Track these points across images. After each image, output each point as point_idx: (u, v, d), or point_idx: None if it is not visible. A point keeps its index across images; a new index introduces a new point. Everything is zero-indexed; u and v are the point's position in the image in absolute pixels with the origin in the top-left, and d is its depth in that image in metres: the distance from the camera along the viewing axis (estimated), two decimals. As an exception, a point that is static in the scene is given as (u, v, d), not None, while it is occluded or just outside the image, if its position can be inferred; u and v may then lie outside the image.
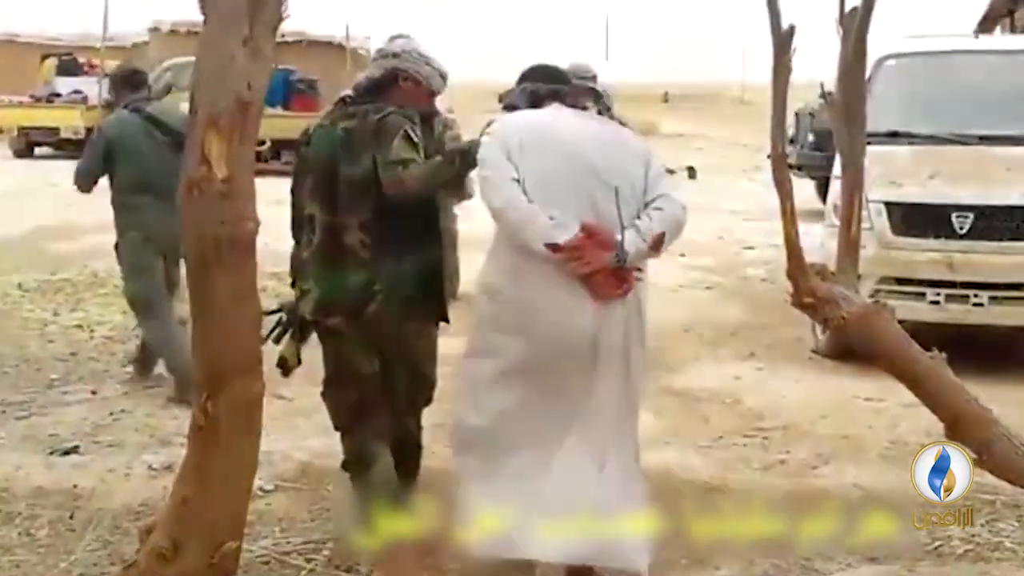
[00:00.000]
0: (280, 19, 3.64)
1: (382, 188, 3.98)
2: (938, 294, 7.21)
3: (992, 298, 7.16)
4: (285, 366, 4.24)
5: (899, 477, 5.16)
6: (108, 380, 6.70)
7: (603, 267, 3.51)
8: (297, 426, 5.74)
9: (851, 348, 7.01)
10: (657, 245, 3.60)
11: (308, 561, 4.18)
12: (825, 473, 5.34)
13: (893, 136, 7.66)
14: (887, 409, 6.27)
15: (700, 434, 5.95)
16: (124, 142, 6.32)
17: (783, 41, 3.51)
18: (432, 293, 4.22)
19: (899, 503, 4.75)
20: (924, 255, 7.28)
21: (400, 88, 4.22)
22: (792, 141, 14.57)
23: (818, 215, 8.91)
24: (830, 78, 4.11)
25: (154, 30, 27.10)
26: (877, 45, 7.52)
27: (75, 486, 4.88)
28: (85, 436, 5.61)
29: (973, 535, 4.50)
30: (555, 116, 3.76)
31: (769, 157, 3.69)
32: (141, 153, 6.28)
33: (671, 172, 22.16)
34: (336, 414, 4.32)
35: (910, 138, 7.79)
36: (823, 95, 4.19)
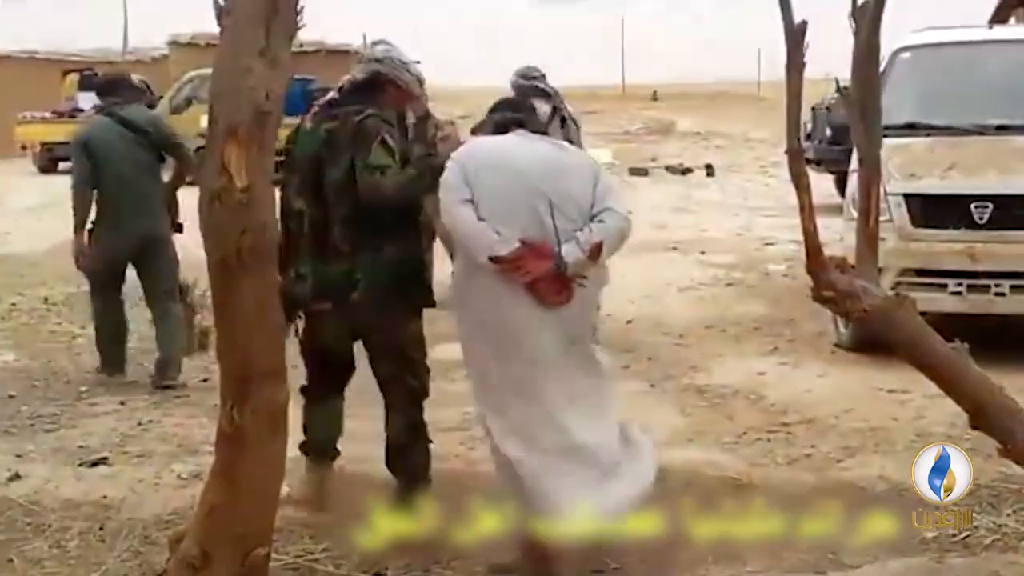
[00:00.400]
0: (296, 29, 3.67)
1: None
2: (960, 284, 7.18)
3: (1014, 287, 7.13)
4: None
5: (924, 469, 5.17)
6: (136, 391, 6.75)
7: (543, 275, 3.91)
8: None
9: (874, 341, 7.05)
10: (595, 254, 3.97)
11: (337, 567, 4.21)
12: (851, 466, 5.34)
13: (910, 128, 7.65)
14: (912, 401, 6.26)
15: (725, 431, 5.96)
16: (99, 142, 6.76)
17: (796, 37, 3.52)
18: (412, 281, 4.50)
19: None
20: (944, 246, 7.26)
21: (384, 91, 4.53)
22: (809, 136, 14.54)
23: (837, 209, 8.90)
24: (846, 73, 4.11)
25: (173, 43, 27.30)
26: (891, 38, 7.53)
27: (105, 497, 4.92)
28: (114, 447, 5.66)
29: (1000, 525, 4.49)
30: (513, 141, 4.16)
31: (786, 152, 3.71)
32: (115, 152, 6.73)
33: (688, 171, 22.26)
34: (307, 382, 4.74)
35: (927, 130, 7.78)
36: (839, 89, 4.20)
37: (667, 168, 22.88)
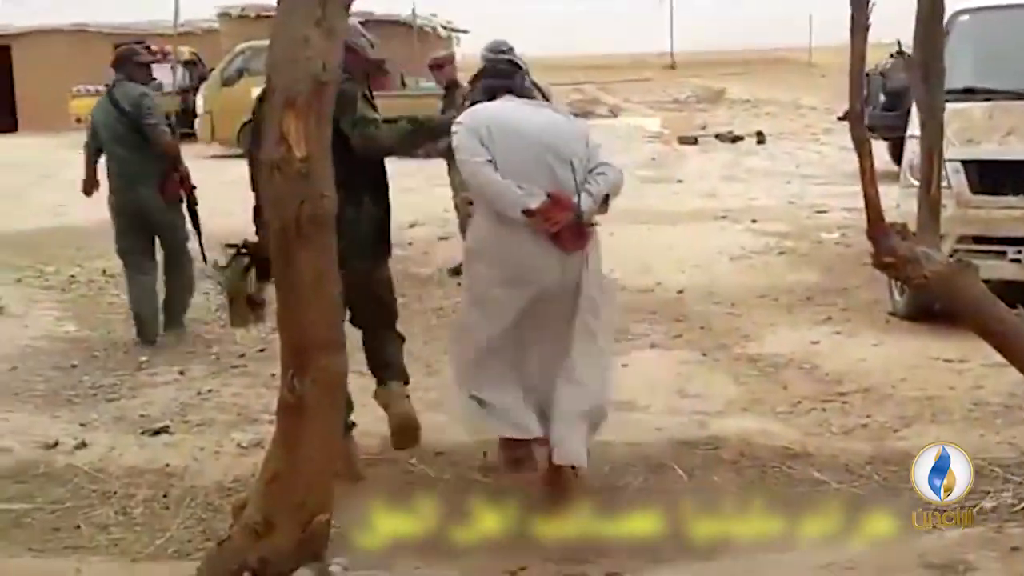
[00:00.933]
0: (351, -1, 3.68)
1: (350, 144, 4.52)
2: (1019, 252, 7.07)
3: (1075, 255, 7.02)
4: (253, 304, 4.81)
5: (983, 439, 5.13)
6: (194, 361, 6.85)
7: (567, 225, 4.33)
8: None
9: (929, 309, 6.98)
10: (604, 203, 4.49)
11: (395, 534, 4.27)
12: (907, 436, 5.28)
13: (968, 93, 7.48)
14: (969, 370, 6.19)
15: (779, 400, 5.93)
16: (96, 122, 7.33)
17: None
18: (385, 234, 4.90)
19: (985, 465, 4.73)
20: (1003, 212, 7.14)
21: (344, 58, 4.66)
22: (864, 102, 14.34)
23: (891, 176, 8.78)
24: (904, 37, 4.06)
25: (224, 15, 27.40)
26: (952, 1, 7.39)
27: (167, 465, 5.01)
28: (175, 416, 5.76)
29: (1061, 494, 4.45)
30: (511, 107, 4.57)
31: (841, 119, 3.68)
32: (106, 130, 7.25)
33: (739, 139, 22.09)
34: None
35: (986, 94, 7.62)
36: (899, 52, 4.16)
37: (717, 136, 22.71)
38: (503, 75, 4.74)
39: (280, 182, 3.54)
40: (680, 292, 8.68)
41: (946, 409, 5.64)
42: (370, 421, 5.34)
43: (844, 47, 4.00)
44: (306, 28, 3.52)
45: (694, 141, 22.09)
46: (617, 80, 35.26)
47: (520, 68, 4.81)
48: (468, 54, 26.92)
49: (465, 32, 29.02)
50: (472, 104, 4.67)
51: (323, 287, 3.67)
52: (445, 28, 27.55)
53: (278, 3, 3.61)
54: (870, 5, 3.46)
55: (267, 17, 4.15)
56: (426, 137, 4.87)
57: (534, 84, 4.96)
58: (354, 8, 3.81)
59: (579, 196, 4.36)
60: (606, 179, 4.48)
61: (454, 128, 4.50)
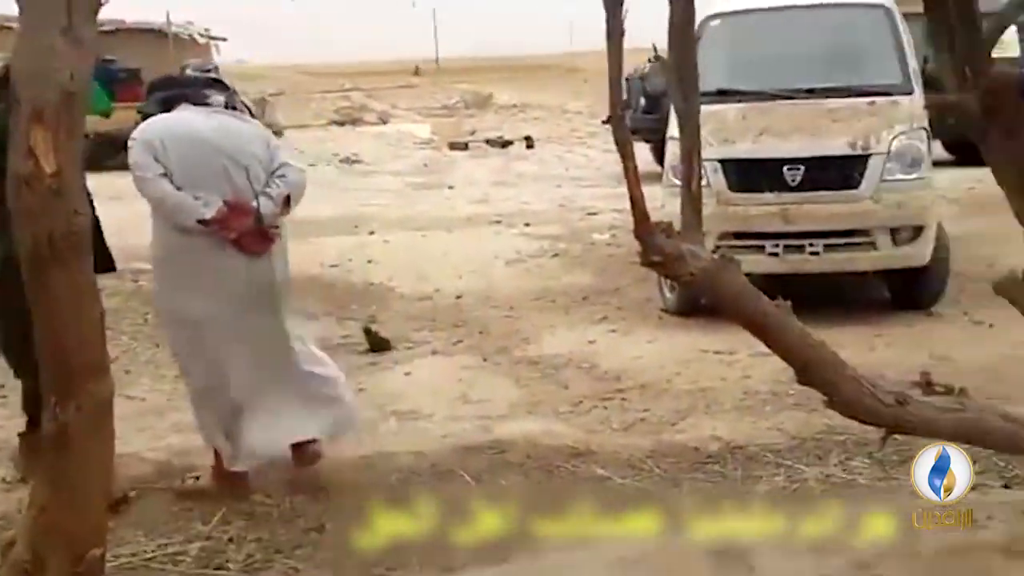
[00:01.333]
0: (99, 5, 3.51)
1: None
2: (776, 245, 7.43)
3: (827, 246, 7.41)
4: None
5: (754, 425, 5.35)
6: (-52, 396, 6.39)
7: (246, 230, 4.47)
8: (150, 426, 5.59)
9: (698, 305, 7.24)
10: (286, 205, 4.62)
11: (175, 564, 4.10)
12: (684, 428, 5.46)
13: (722, 95, 7.77)
14: (738, 361, 6.45)
15: (560, 400, 6.02)
16: None
17: (613, 3, 3.52)
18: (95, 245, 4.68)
19: (758, 451, 4.92)
20: (760, 209, 7.47)
21: None
22: (626, 105, 14.78)
23: (656, 177, 9.07)
24: (660, 41, 4.16)
25: (-39, 27, 25.87)
26: (705, 5, 7.68)
27: (-74, 507, 4.66)
28: (-69, 454, 5.36)
29: (828, 475, 4.67)
30: (186, 117, 4.61)
31: (605, 122, 3.75)
32: None
33: (509, 143, 22.44)
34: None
35: (739, 95, 7.94)
36: (655, 57, 4.27)
37: (487, 141, 23.00)
38: (176, 85, 4.80)
39: (30, 198, 3.34)
40: (458, 298, 8.71)
41: (718, 400, 5.85)
42: (141, 449, 5.14)
43: (604, 52, 4.08)
44: (52, 37, 3.34)
45: (464, 147, 22.31)
46: (385, 87, 35.18)
47: (228, 88, 4.84)
48: (227, 61, 26.27)
49: (223, 40, 28.31)
50: (146, 117, 4.67)
51: (82, 307, 3.48)
52: (203, 35, 26.80)
53: (20, 12, 3.41)
54: (623, 11, 3.51)
55: (10, 28, 3.91)
56: (109, 150, 4.88)
57: (244, 104, 5.00)
58: (104, 15, 3.64)
59: (258, 200, 4.48)
60: (286, 181, 4.61)
61: (130, 144, 4.51)
